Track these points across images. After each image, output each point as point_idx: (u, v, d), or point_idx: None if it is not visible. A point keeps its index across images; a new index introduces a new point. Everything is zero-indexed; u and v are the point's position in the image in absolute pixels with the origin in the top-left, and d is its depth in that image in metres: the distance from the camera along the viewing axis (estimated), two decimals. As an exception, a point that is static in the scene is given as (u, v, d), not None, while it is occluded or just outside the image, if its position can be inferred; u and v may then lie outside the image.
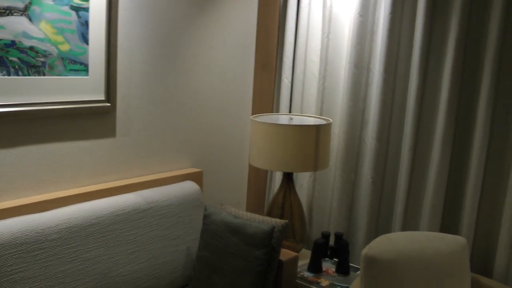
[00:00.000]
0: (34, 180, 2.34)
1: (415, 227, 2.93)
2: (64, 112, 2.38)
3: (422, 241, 2.37)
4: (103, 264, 2.27)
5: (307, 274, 2.86)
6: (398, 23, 2.92)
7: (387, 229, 3.05)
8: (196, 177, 2.95)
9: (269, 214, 3.04)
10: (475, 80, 2.70)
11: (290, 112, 3.43)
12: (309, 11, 3.27)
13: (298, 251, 3.00)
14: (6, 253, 1.96)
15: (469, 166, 2.74)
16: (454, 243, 2.37)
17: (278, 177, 3.44)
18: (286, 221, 2.53)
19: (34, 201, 2.26)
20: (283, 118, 3.18)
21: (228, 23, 3.15)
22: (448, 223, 2.85)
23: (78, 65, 2.39)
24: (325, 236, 2.94)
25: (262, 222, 2.52)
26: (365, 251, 2.24)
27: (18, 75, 2.18)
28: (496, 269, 2.66)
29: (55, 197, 2.33)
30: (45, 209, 2.23)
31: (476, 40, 2.69)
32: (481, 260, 2.76)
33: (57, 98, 2.33)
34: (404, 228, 2.94)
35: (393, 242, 2.33)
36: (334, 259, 2.99)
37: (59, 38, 2.29)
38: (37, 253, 2.05)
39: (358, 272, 2.85)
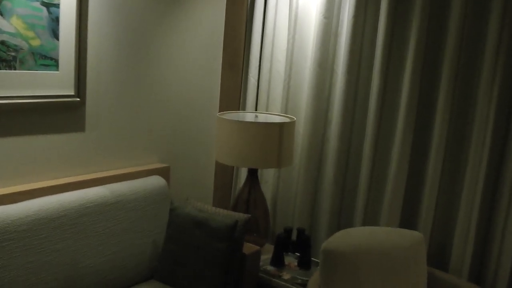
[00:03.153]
0: (4, 172, 2.35)
1: (375, 223, 3.00)
2: (34, 106, 2.40)
3: (380, 235, 2.44)
4: (71, 256, 2.29)
5: (269, 267, 2.92)
6: (361, 26, 2.99)
7: (349, 225, 3.11)
8: (164, 172, 2.98)
9: (234, 209, 3.08)
10: (435, 82, 2.78)
11: (256, 110, 3.48)
12: (275, 12, 3.32)
13: (261, 246, 3.04)
14: (-26, 243, 1.98)
15: (427, 164, 2.81)
16: (411, 237, 2.44)
17: (243, 173, 3.47)
18: (249, 215, 2.59)
19: (4, 193, 2.28)
20: (249, 116, 3.22)
21: (196, 22, 3.18)
22: (406, 219, 2.92)
23: (49, 60, 2.42)
24: (287, 231, 2.99)
25: (226, 216, 2.58)
26: (324, 244, 2.30)
27: (-12, 69, 2.20)
28: (451, 263, 2.75)
29: (25, 189, 2.36)
30: (15, 201, 2.25)
31: (435, 42, 2.77)
32: (437, 254, 2.83)
33: (27, 92, 2.36)
34: (365, 224, 3.00)
35: (352, 237, 2.40)
36: (296, 253, 3.05)
37: (30, 34, 2.32)
38: (5, 243, 2.07)
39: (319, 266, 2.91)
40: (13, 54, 2.27)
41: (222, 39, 3.43)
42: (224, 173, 3.59)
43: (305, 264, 2.94)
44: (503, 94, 2.57)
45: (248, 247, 2.71)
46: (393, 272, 2.31)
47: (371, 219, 3.03)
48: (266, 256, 3.01)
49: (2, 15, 2.20)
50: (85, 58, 2.56)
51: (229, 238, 2.46)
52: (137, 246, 2.59)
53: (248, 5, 3.43)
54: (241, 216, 2.57)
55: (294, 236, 3.04)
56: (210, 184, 3.58)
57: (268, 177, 3.47)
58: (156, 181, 2.84)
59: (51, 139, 2.52)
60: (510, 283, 2.57)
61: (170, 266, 2.56)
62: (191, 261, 2.50)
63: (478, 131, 2.63)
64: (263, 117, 3.17)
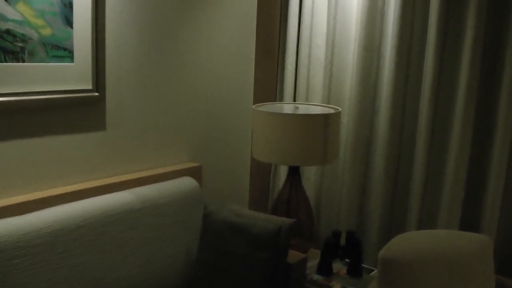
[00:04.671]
0: (16, 178, 2.19)
1: (432, 224, 2.81)
2: (47, 104, 2.21)
3: (443, 240, 2.24)
4: (94, 271, 2.12)
5: (316, 276, 2.70)
6: (411, 2, 2.78)
7: (402, 225, 2.93)
8: (195, 172, 2.82)
9: (274, 211, 2.91)
10: (497, 64, 2.58)
11: (294, 100, 3.32)
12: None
13: (306, 251, 2.86)
14: (-20, 262, 1.80)
15: (491, 158, 2.63)
16: (477, 242, 2.23)
17: (283, 171, 3.33)
18: (294, 220, 2.38)
19: (16, 202, 2.11)
20: (287, 107, 3.06)
21: (227, 5, 3.02)
22: (468, 219, 2.74)
23: (62, 51, 2.21)
24: (336, 234, 2.78)
25: (268, 221, 2.37)
26: (382, 252, 2.10)
27: (-7, 61, 2.00)
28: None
29: (39, 197, 2.19)
30: (27, 211, 2.07)
31: (496, 20, 2.56)
32: (505, 261, 2.65)
33: (39, 88, 2.16)
34: (420, 224, 2.83)
35: (412, 242, 2.20)
36: (346, 259, 2.83)
37: (40, 21, 2.10)
38: (16, 261, 1.88)
39: (372, 274, 2.71)
40: (20, 44, 2.06)
41: (255, 24, 3.25)
42: (261, 171, 3.43)
43: (356, 271, 2.71)
44: None
45: (293, 255, 2.50)
46: (460, 282, 2.10)
47: (428, 220, 2.84)
48: (312, 262, 2.79)
49: (6, 0, 1.98)
50: (103, 48, 2.36)
51: (272, 246, 2.27)
52: (168, 256, 2.43)
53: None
54: (284, 220, 2.36)
55: (342, 240, 2.82)
56: (246, 184, 3.43)
57: (309, 174, 3.29)
58: (187, 182, 2.67)
59: (67, 139, 2.34)
60: None
61: (206, 278, 2.40)
62: (230, 272, 2.32)
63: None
64: (303, 108, 2.99)
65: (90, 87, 2.34)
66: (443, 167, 2.76)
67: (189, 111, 2.91)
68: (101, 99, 2.40)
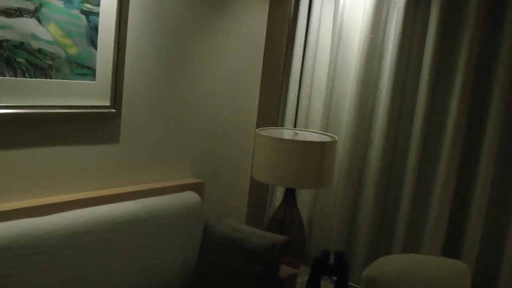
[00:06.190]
0: (36, 183, 2.32)
1: (416, 249, 2.91)
2: (69, 116, 2.36)
3: (423, 264, 2.35)
4: (101, 272, 2.24)
5: None
6: (408, 42, 2.92)
7: (388, 251, 3.03)
8: (198, 187, 2.93)
9: (269, 229, 3.00)
10: (484, 103, 2.69)
11: (295, 126, 3.42)
12: (319, 25, 3.27)
13: (296, 267, 2.95)
14: (2, 256, 1.94)
15: (474, 192, 2.73)
16: (456, 268, 2.35)
17: (279, 192, 3.42)
18: (287, 237, 2.51)
19: (34, 204, 2.24)
20: (287, 133, 3.16)
21: (236, 34, 3.14)
22: (450, 247, 2.83)
23: (86, 70, 2.38)
24: (325, 254, 2.89)
25: (263, 237, 2.50)
26: (365, 272, 2.22)
27: (25, 76, 2.17)
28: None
29: (55, 201, 2.31)
30: (45, 213, 2.20)
31: (486, 63, 2.69)
32: (483, 286, 2.74)
33: (62, 102, 2.32)
34: (405, 248, 2.93)
35: (394, 264, 2.32)
36: (333, 277, 2.95)
37: (67, 41, 2.28)
38: (34, 257, 2.02)
39: None
40: (49, 62, 2.23)
41: (263, 52, 3.37)
42: (259, 191, 3.53)
43: None
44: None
45: (284, 270, 2.62)
46: None
47: (412, 246, 2.94)
48: (301, 278, 2.90)
49: (40, 22, 2.16)
50: (122, 69, 2.51)
51: (265, 261, 2.39)
52: (169, 264, 2.53)
53: (291, 18, 3.37)
54: (278, 237, 2.49)
55: (331, 259, 2.93)
56: (244, 201, 3.52)
57: (304, 196, 3.39)
58: (190, 196, 2.79)
59: (84, 150, 2.48)
60: None
61: (202, 286, 2.50)
62: (225, 283, 2.44)
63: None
64: (302, 135, 3.10)
65: (108, 103, 2.49)
66: (429, 197, 2.86)
67: (196, 130, 3.02)
68: (117, 115, 2.54)
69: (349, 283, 2.88)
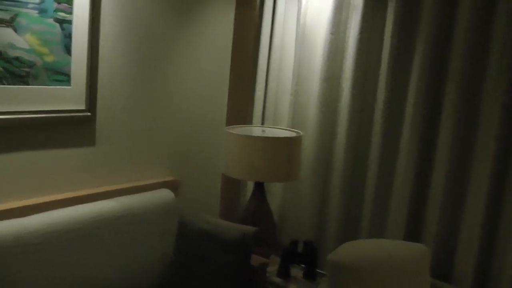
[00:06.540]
0: (16, 186, 2.38)
1: (381, 235, 3.02)
2: (46, 121, 2.43)
3: (386, 248, 2.45)
4: (83, 269, 2.30)
5: (276, 279, 2.93)
6: (367, 42, 3.03)
7: (355, 237, 3.13)
8: (173, 185, 3.00)
9: (242, 221, 3.07)
10: (440, 95, 2.79)
11: (263, 124, 3.51)
12: (283, 27, 3.38)
13: (268, 257, 3.02)
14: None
15: (432, 178, 2.83)
16: (417, 250, 2.45)
17: (250, 186, 3.50)
18: (256, 228, 2.61)
19: (15, 206, 2.29)
20: (256, 130, 3.23)
21: (205, 37, 3.22)
22: (411, 231, 2.93)
23: (61, 76, 2.45)
24: (294, 243, 3.02)
25: (234, 228, 2.60)
26: (329, 256, 2.31)
27: (2, 84, 2.24)
28: (454, 274, 2.76)
29: (36, 202, 2.37)
30: (26, 215, 2.25)
31: (441, 56, 2.78)
32: (441, 266, 2.84)
33: (40, 107, 2.39)
34: (371, 234, 3.03)
35: (357, 248, 2.41)
36: (302, 265, 3.07)
37: (44, 50, 2.36)
38: (22, 256, 2.08)
39: (325, 278, 2.91)
40: (27, 69, 2.31)
41: (230, 54, 3.45)
42: (231, 186, 3.60)
43: (311, 275, 2.97)
44: (508, 102, 2.58)
45: (256, 259, 2.73)
46: (399, 284, 2.32)
47: (377, 232, 3.05)
48: (273, 267, 3.03)
49: (16, 31, 2.24)
50: (96, 74, 2.59)
51: (237, 250, 2.49)
52: (146, 258, 2.60)
53: (257, 20, 3.47)
54: (248, 228, 2.59)
55: (300, 248, 3.06)
56: (217, 196, 3.60)
57: (274, 189, 3.49)
58: (164, 194, 2.85)
59: (62, 153, 2.54)
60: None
61: (179, 279, 2.59)
62: (200, 273, 2.52)
63: (482, 146, 2.66)
64: (270, 132, 3.19)
65: (83, 107, 2.57)
66: (390, 187, 2.97)
67: (171, 130, 3.10)
68: (92, 118, 2.62)
69: (318, 270, 3.01)
